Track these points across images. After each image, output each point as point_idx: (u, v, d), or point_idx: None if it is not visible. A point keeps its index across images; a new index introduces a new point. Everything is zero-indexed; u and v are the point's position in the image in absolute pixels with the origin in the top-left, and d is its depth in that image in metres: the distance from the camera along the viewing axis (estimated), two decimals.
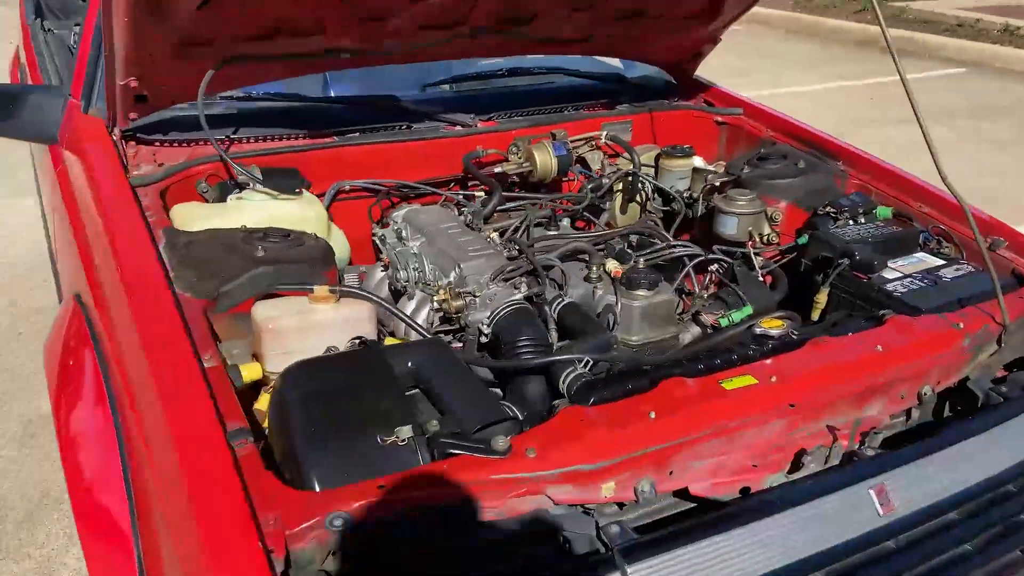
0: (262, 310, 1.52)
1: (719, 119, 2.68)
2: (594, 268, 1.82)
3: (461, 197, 2.19)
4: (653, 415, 1.35)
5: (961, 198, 1.63)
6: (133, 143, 2.06)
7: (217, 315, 1.55)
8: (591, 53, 2.56)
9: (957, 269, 1.90)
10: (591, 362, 1.50)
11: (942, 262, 1.94)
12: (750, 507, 1.29)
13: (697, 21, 2.44)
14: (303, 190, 1.96)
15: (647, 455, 1.31)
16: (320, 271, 1.66)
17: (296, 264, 1.64)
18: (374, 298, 1.55)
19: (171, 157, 2.03)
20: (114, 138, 2.03)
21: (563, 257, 1.89)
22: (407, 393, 1.40)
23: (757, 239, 2.12)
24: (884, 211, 2.13)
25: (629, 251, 1.94)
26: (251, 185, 1.94)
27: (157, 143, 2.07)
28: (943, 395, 1.65)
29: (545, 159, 2.26)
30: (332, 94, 2.37)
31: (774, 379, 1.46)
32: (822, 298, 1.92)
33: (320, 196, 2.09)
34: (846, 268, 1.88)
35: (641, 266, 1.85)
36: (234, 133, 2.14)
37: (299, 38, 1.96)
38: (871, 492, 1.33)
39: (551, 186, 2.39)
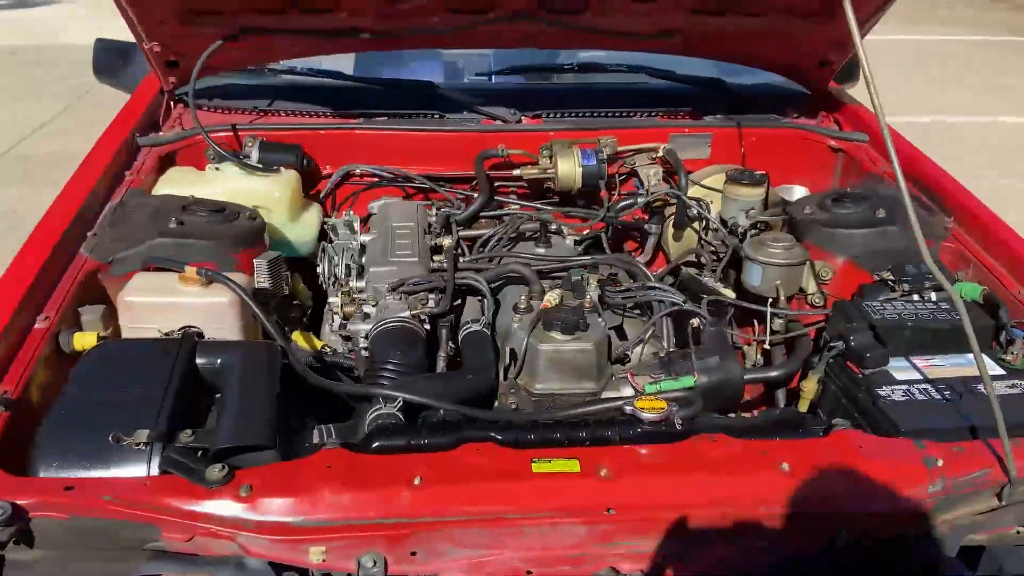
0: (132, 282, 1.51)
1: (833, 144, 2.21)
2: (523, 299, 1.58)
3: (455, 197, 2.02)
4: (418, 480, 1.13)
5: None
6: (181, 106, 2.16)
7: (111, 279, 1.56)
8: (679, 52, 2.21)
9: (1012, 386, 1.39)
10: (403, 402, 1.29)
11: (1001, 373, 1.43)
12: None
13: (807, 20, 2.01)
14: (282, 168, 1.92)
15: (381, 526, 1.11)
16: (229, 251, 1.61)
17: (204, 240, 1.60)
18: (236, 289, 1.46)
19: (213, 121, 2.10)
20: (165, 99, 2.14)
21: (502, 279, 1.66)
22: (209, 395, 1.31)
23: (782, 296, 1.72)
24: (971, 289, 1.62)
25: (589, 284, 1.66)
26: (249, 157, 1.94)
27: (205, 107, 2.15)
28: (876, 547, 1.21)
29: (568, 168, 2.01)
30: (381, 76, 2.29)
31: (604, 472, 1.16)
32: (808, 386, 1.51)
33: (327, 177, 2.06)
34: (840, 355, 1.46)
35: (588, 305, 1.57)
36: (269, 105, 2.16)
37: (312, 14, 1.91)
38: None
39: (592, 198, 2.13)
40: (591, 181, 2.02)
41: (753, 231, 1.94)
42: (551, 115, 2.18)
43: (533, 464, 1.17)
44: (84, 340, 1.41)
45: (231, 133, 2.04)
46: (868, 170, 2.08)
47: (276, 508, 1.09)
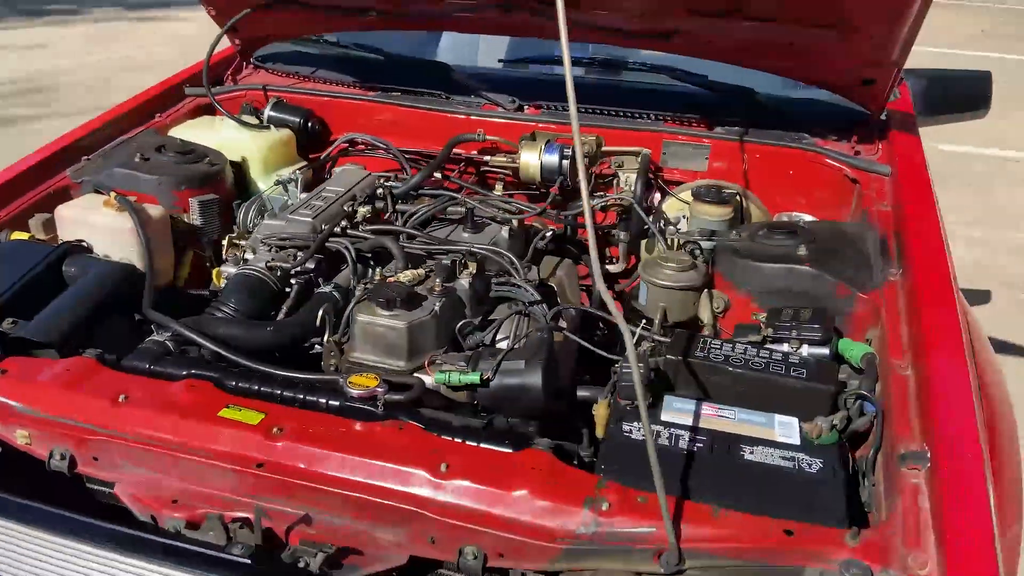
0: (75, 200, 1.81)
1: (849, 173, 1.94)
2: (378, 271, 1.65)
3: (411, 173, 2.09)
4: (123, 398, 1.28)
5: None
6: (250, 67, 2.47)
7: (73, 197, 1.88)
8: (676, 51, 2.06)
9: (784, 458, 1.20)
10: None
11: (791, 442, 1.24)
12: (105, 534, 1.16)
13: (825, 30, 1.80)
14: (273, 127, 2.13)
15: (74, 428, 1.27)
16: (172, 189, 1.86)
17: (154, 176, 1.86)
18: (132, 217, 1.69)
19: (260, 81, 2.38)
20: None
21: (370, 250, 1.73)
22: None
23: (669, 319, 1.60)
24: (854, 349, 1.41)
25: (464, 271, 1.66)
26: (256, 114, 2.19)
27: (268, 69, 2.44)
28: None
29: (528, 160, 1.99)
30: (414, 56, 2.41)
31: (275, 431, 1.23)
32: (600, 411, 1.39)
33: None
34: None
35: (438, 288, 1.59)
36: (312, 73, 2.38)
37: None
38: None
39: (573, 195, 2.08)
40: (549, 175, 1.99)
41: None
42: (553, 107, 2.16)
43: (224, 409, 1.27)
44: (14, 236, 1.73)
45: (260, 92, 2.29)
46: (865, 205, 1.82)
47: (7, 392, 1.30)
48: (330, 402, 1.32)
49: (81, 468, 1.28)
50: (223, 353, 1.41)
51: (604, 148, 2.06)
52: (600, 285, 1.04)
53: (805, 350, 1.44)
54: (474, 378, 1.44)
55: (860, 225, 1.76)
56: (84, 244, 1.70)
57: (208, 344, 1.42)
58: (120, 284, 1.58)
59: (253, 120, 2.15)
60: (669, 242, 1.74)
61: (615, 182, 2.07)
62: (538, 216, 1.98)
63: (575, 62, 2.28)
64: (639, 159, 2.01)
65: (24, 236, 1.74)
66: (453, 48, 2.48)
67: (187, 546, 1.13)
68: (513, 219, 1.91)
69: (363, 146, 2.23)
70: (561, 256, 1.91)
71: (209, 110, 2.29)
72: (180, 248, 1.87)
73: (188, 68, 2.40)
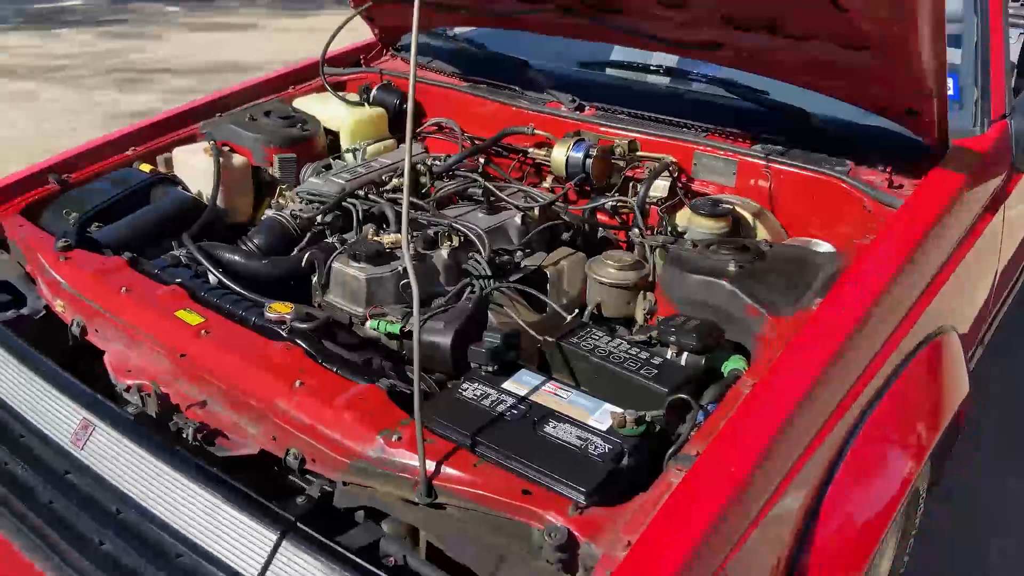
0: (190, 144, 2.28)
1: (867, 204, 1.87)
2: (368, 230, 1.92)
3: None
4: (124, 290, 1.69)
5: None
6: (388, 54, 2.84)
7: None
8: (727, 64, 2.06)
9: (580, 439, 1.31)
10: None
11: (597, 427, 1.33)
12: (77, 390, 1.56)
13: (864, 53, 1.77)
14: (367, 105, 2.48)
15: (85, 304, 1.70)
16: (263, 145, 2.27)
17: (252, 133, 2.29)
18: (215, 162, 2.11)
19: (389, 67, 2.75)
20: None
21: (379, 213, 1.99)
22: None
23: (602, 313, 1.72)
24: (728, 365, 1.46)
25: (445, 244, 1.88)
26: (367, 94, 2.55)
27: (400, 58, 2.81)
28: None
29: (558, 154, 2.14)
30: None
31: (203, 332, 1.56)
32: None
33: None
34: None
35: (412, 252, 1.84)
36: (428, 62, 2.69)
37: None
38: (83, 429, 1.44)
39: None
40: (573, 171, 2.13)
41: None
42: (609, 110, 2.28)
43: (179, 311, 1.62)
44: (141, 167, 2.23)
45: (376, 75, 2.65)
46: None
47: (60, 271, 1.76)
48: (255, 320, 1.62)
49: (89, 336, 1.70)
50: (209, 269, 1.78)
51: (639, 153, 2.16)
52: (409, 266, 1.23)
53: (684, 357, 1.49)
54: (394, 328, 1.67)
55: (828, 254, 1.72)
56: (175, 177, 2.16)
57: (205, 263, 1.80)
58: (181, 210, 2.01)
59: (353, 98, 2.51)
60: (643, 245, 1.82)
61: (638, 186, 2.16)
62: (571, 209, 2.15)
63: (647, 69, 2.36)
64: (669, 163, 2.09)
65: (147, 168, 2.24)
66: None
67: (107, 402, 1.50)
68: (535, 207, 2.09)
69: (448, 129, 2.51)
70: (588, 251, 2.04)
71: (337, 87, 2.69)
72: (262, 195, 2.28)
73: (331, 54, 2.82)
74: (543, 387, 1.43)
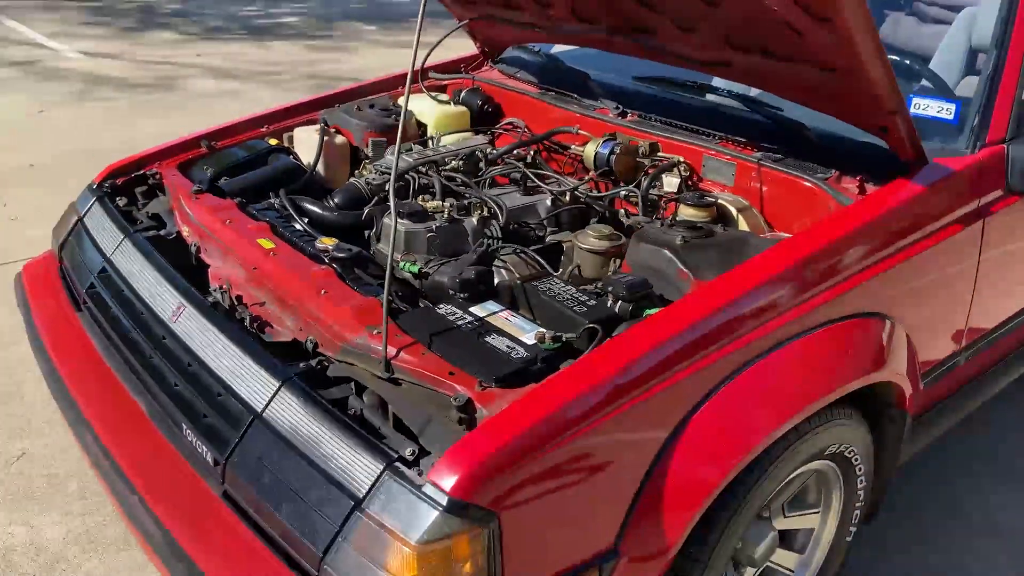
0: (309, 125, 2.88)
1: (831, 206, 2.14)
2: (422, 198, 2.40)
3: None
4: (228, 222, 2.27)
5: None
6: (487, 65, 3.34)
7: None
8: (738, 80, 2.38)
9: (508, 347, 1.73)
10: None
11: (525, 341, 1.74)
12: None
13: (833, 74, 2.07)
14: (452, 104, 2.98)
15: (200, 229, 2.30)
16: (363, 129, 2.83)
17: (355, 120, 2.85)
18: (320, 140, 2.68)
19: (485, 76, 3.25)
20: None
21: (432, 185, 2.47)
22: None
23: (580, 274, 2.11)
24: (648, 312, 1.82)
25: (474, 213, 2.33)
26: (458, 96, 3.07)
27: (497, 69, 3.30)
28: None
29: (588, 151, 2.55)
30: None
31: (272, 255, 2.11)
32: None
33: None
34: None
35: (446, 216, 2.30)
36: (516, 72, 3.16)
37: (511, 9, 2.86)
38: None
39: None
40: (599, 165, 2.52)
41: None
42: (645, 117, 2.65)
43: (260, 239, 2.17)
44: (270, 141, 2.85)
45: (468, 80, 3.16)
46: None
47: (191, 206, 2.38)
48: (309, 249, 2.14)
49: (201, 255, 2.30)
50: (292, 213, 2.34)
51: (660, 153, 2.52)
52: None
53: (618, 304, 1.85)
54: (414, 269, 2.15)
55: (769, 240, 2.01)
56: (290, 149, 2.76)
57: (289, 208, 2.36)
58: (286, 173, 2.60)
59: (444, 98, 3.03)
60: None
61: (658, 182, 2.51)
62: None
63: (683, 84, 2.71)
64: (678, 163, 2.44)
65: (274, 142, 2.86)
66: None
67: (196, 293, 2.07)
68: (565, 193, 2.50)
69: (518, 128, 2.97)
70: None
71: (441, 90, 3.23)
72: (356, 169, 2.84)
73: (437, 63, 3.37)
74: (499, 313, 1.85)
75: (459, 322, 1.81)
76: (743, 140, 2.41)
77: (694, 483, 1.63)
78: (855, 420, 1.98)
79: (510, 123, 3.00)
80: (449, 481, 1.40)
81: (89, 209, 2.56)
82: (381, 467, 1.49)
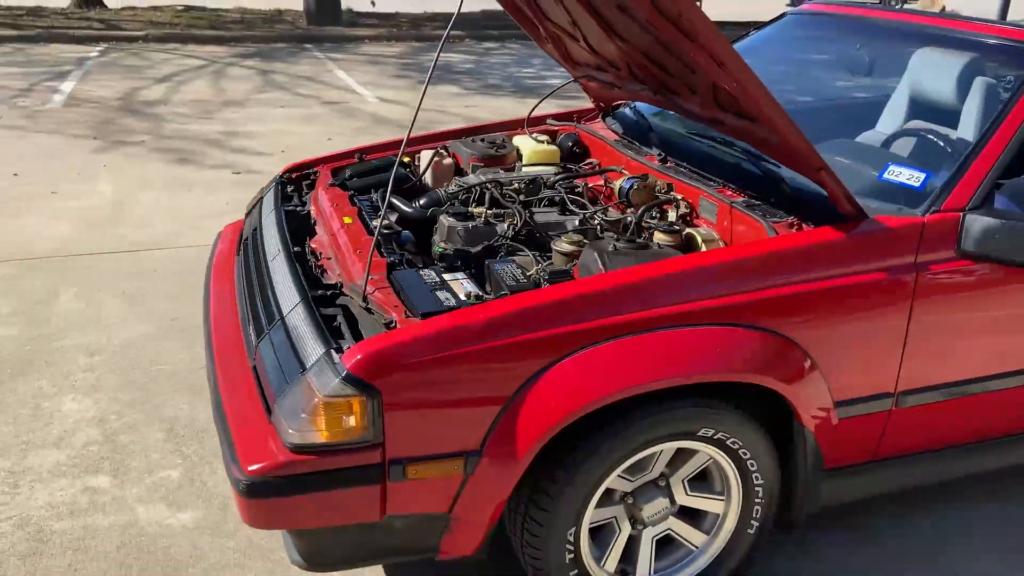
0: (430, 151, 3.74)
1: None
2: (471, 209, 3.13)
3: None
4: (335, 206, 3.17)
5: None
6: (598, 117, 4.01)
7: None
8: (729, 135, 2.83)
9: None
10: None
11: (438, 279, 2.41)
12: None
13: (765, 130, 2.54)
14: (545, 143, 3.68)
15: (320, 209, 3.21)
16: (469, 158, 3.63)
17: (467, 149, 3.66)
18: (428, 164, 3.51)
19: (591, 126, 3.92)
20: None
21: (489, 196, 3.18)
22: None
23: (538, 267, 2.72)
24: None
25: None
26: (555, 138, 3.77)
27: (603, 121, 3.96)
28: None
29: (616, 185, 3.12)
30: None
31: (347, 225, 2.96)
32: None
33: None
34: None
35: (483, 219, 3.02)
36: (612, 124, 3.79)
37: (599, 71, 3.54)
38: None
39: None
40: (621, 196, 3.09)
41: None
42: (678, 164, 3.17)
43: (345, 217, 3.03)
44: (404, 158, 3.74)
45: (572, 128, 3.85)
46: None
47: (319, 183, 3.33)
48: (371, 225, 2.95)
49: (316, 226, 3.21)
50: (380, 205, 3.18)
51: (674, 193, 3.04)
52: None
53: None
54: (438, 249, 2.88)
55: (677, 256, 2.49)
56: (411, 164, 3.63)
57: (379, 202, 3.20)
58: (397, 180, 3.46)
59: (542, 138, 3.75)
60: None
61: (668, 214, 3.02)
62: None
63: (705, 137, 3.19)
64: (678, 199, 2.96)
65: (407, 159, 3.75)
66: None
67: (289, 244, 2.97)
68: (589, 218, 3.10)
69: (592, 166, 3.60)
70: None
71: (554, 134, 3.95)
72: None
73: (552, 112, 4.09)
74: (459, 280, 2.53)
75: (427, 280, 2.51)
76: (735, 187, 2.86)
77: (541, 415, 2.18)
78: (730, 413, 2.37)
79: (589, 163, 3.64)
80: (350, 361, 2.11)
81: (268, 189, 3.61)
82: (323, 351, 2.23)
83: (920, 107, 3.42)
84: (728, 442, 2.42)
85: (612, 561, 2.52)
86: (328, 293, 2.59)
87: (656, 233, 2.77)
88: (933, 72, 3.30)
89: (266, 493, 2.13)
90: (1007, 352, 2.69)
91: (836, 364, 2.45)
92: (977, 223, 2.48)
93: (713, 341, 2.30)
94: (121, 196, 6.45)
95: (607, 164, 3.52)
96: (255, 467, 2.13)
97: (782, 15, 4.07)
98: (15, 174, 6.86)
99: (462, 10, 2.53)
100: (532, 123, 3.99)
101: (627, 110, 3.89)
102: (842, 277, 2.43)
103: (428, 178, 3.58)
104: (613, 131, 3.73)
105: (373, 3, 17.74)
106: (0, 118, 8.69)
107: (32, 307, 4.59)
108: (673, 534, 2.59)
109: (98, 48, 13.81)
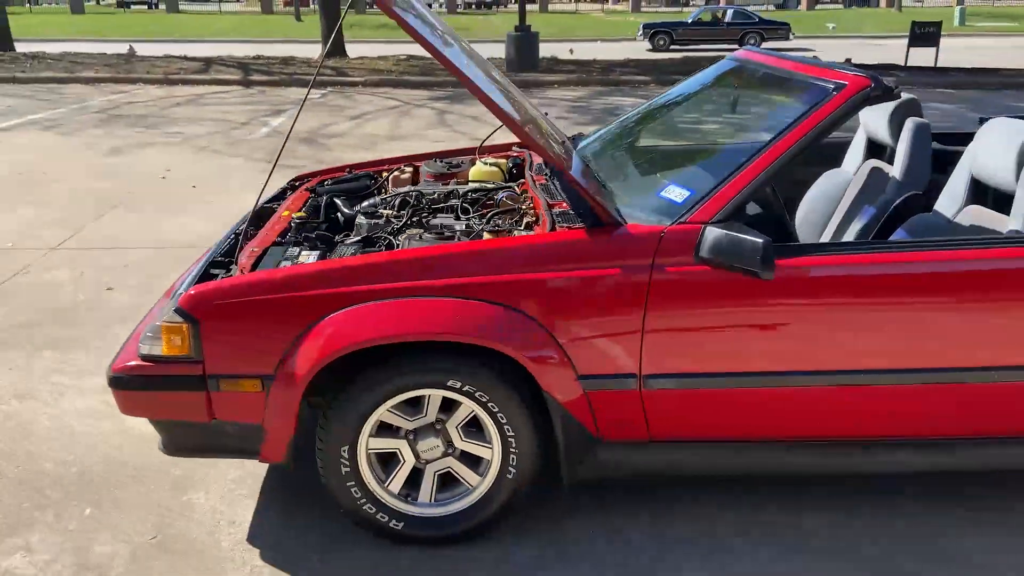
0: (407, 168, 4.56)
1: None
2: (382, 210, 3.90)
3: None
4: (291, 201, 4.10)
5: None
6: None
7: None
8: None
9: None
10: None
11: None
12: None
13: None
14: (488, 163, 4.37)
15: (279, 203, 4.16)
16: (427, 173, 4.41)
17: (427, 167, 4.44)
18: (409, 176, 4.33)
19: None
20: None
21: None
22: None
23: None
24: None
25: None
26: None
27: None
28: None
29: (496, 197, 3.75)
30: None
31: (281, 217, 3.87)
32: None
33: None
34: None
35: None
36: None
37: None
38: None
39: None
40: (497, 203, 3.72)
41: None
42: (551, 184, 3.75)
43: (287, 210, 3.94)
44: (384, 172, 4.60)
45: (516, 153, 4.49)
46: None
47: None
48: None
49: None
50: (335, 205, 4.05)
51: (528, 205, 3.62)
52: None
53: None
54: (295, 221, 3.70)
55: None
56: (377, 176, 4.48)
57: (320, 201, 4.08)
58: (359, 188, 4.32)
59: (490, 160, 4.43)
60: None
61: None
62: None
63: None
64: None
65: (386, 175, 4.59)
66: None
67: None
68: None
69: (512, 188, 4.22)
70: None
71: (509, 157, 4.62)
72: None
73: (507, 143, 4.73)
74: (312, 256, 3.32)
75: (286, 254, 3.32)
76: (569, 200, 3.41)
77: (315, 352, 2.91)
78: (481, 372, 2.92)
79: (522, 181, 4.28)
80: (182, 299, 2.99)
81: (278, 191, 4.63)
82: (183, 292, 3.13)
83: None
84: (478, 396, 2.98)
85: (396, 484, 3.16)
86: (228, 260, 3.49)
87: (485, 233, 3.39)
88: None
89: (121, 386, 3.05)
90: (742, 353, 2.98)
91: (578, 343, 2.94)
92: (710, 234, 2.88)
93: (453, 310, 2.90)
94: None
95: (526, 185, 4.14)
96: (117, 366, 3.06)
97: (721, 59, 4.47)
98: (193, 186, 8.58)
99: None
100: (506, 149, 4.70)
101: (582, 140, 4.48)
102: (583, 270, 2.92)
103: (392, 188, 4.40)
104: None
105: (571, 51, 18.90)
106: (210, 144, 10.72)
107: (150, 280, 5.97)
108: (453, 472, 3.17)
109: (322, 91, 16.10)
